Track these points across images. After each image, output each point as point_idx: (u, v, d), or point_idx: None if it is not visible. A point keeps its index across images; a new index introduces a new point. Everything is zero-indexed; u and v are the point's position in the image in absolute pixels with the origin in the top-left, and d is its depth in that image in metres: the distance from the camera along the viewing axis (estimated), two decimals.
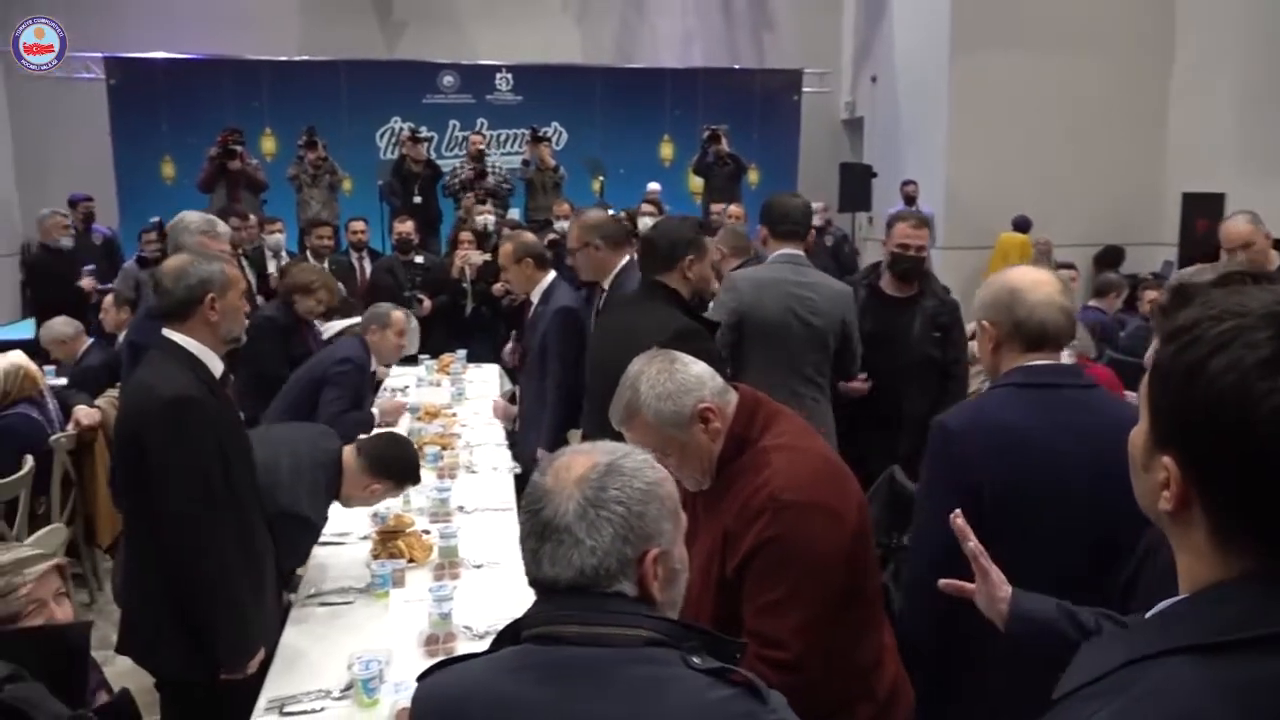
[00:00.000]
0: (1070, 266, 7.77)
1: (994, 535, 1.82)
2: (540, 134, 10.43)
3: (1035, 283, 2.14)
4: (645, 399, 1.93)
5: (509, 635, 1.36)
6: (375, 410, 4.77)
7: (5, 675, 0.67)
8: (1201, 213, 9.79)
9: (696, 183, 11.22)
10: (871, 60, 13.00)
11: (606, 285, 3.90)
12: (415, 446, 4.37)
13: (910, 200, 10.53)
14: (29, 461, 4.21)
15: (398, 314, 4.92)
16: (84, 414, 4.69)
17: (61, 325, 5.79)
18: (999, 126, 10.65)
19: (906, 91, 12.05)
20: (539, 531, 1.32)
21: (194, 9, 11.73)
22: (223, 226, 4.15)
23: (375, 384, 5.26)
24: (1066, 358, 2.28)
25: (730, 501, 1.95)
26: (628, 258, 3.86)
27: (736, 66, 13.16)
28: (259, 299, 6.32)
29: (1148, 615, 0.95)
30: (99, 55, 11.18)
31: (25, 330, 9.53)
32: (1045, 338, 2.10)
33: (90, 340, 5.44)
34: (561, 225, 7.97)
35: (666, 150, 12.58)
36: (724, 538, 1.93)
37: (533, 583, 1.36)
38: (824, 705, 1.81)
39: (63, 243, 8.34)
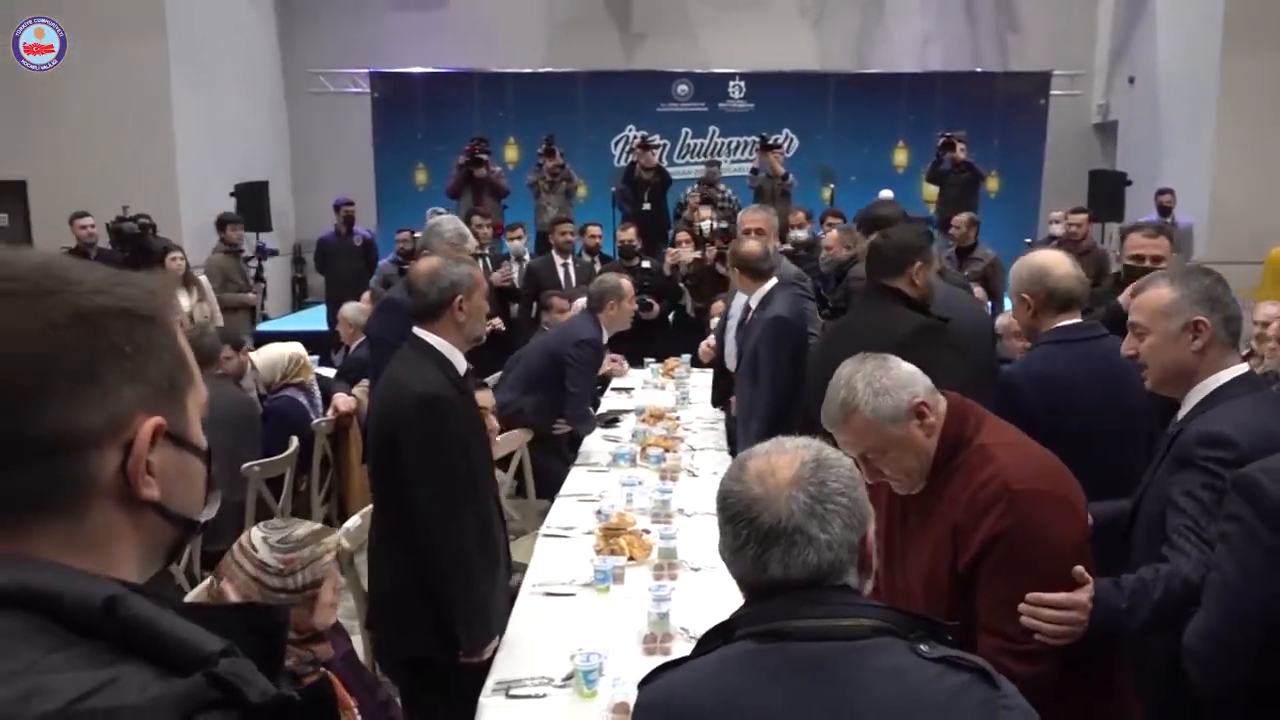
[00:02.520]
0: None
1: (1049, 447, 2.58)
2: (770, 142, 10.36)
3: (1058, 261, 2.86)
4: (862, 396, 1.94)
5: (720, 634, 1.36)
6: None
7: (220, 650, 0.74)
8: None
9: (930, 190, 10.84)
10: (1128, 60, 12.15)
11: (754, 303, 4.50)
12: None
13: (1165, 211, 9.75)
14: (294, 442, 4.60)
15: (625, 281, 5.20)
16: (342, 401, 5.11)
17: (355, 311, 6.13)
18: (1274, 130, 9.70)
19: (1168, 93, 11.18)
20: (761, 539, 1.31)
21: (450, 26, 12.51)
22: (472, 241, 4.42)
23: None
24: None
25: (952, 498, 1.94)
26: (773, 281, 4.52)
27: (979, 70, 12.65)
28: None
29: None
30: (365, 71, 12.14)
31: (300, 322, 10.46)
32: (1071, 301, 2.81)
33: None
34: (795, 235, 7.88)
35: (900, 157, 12.24)
36: (952, 535, 1.92)
37: (751, 586, 1.35)
38: (1066, 702, 1.79)
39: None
